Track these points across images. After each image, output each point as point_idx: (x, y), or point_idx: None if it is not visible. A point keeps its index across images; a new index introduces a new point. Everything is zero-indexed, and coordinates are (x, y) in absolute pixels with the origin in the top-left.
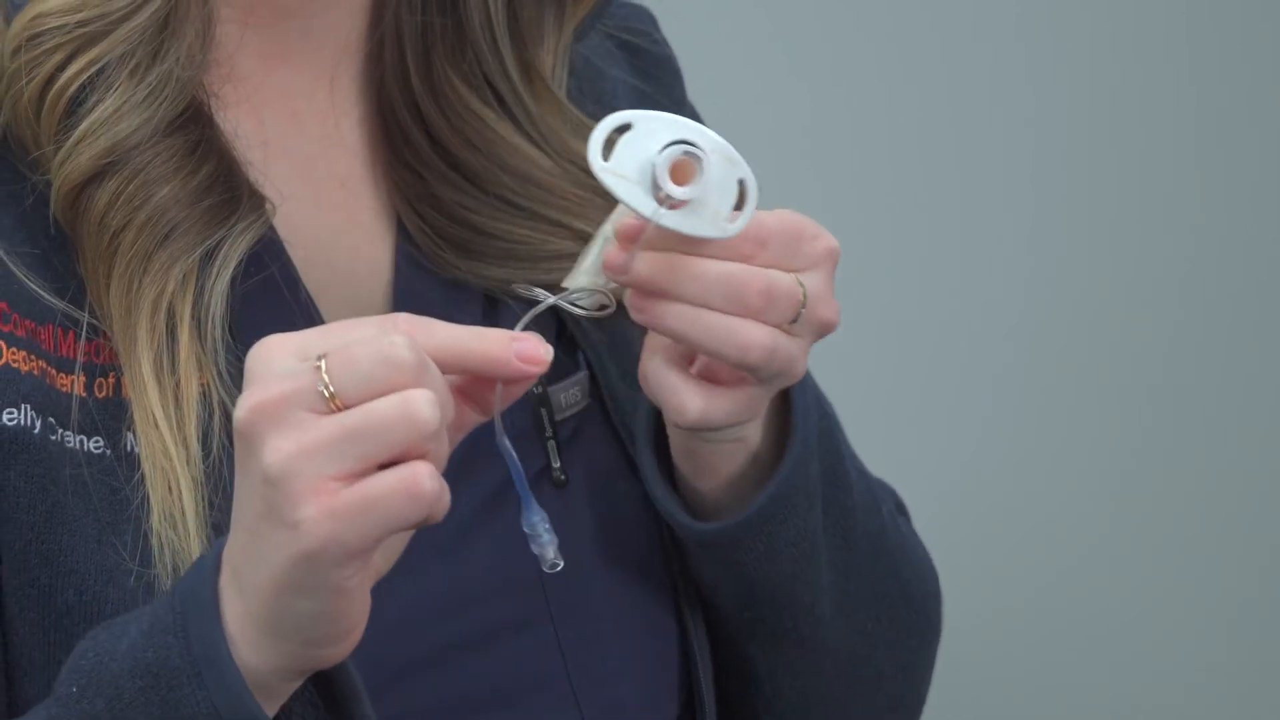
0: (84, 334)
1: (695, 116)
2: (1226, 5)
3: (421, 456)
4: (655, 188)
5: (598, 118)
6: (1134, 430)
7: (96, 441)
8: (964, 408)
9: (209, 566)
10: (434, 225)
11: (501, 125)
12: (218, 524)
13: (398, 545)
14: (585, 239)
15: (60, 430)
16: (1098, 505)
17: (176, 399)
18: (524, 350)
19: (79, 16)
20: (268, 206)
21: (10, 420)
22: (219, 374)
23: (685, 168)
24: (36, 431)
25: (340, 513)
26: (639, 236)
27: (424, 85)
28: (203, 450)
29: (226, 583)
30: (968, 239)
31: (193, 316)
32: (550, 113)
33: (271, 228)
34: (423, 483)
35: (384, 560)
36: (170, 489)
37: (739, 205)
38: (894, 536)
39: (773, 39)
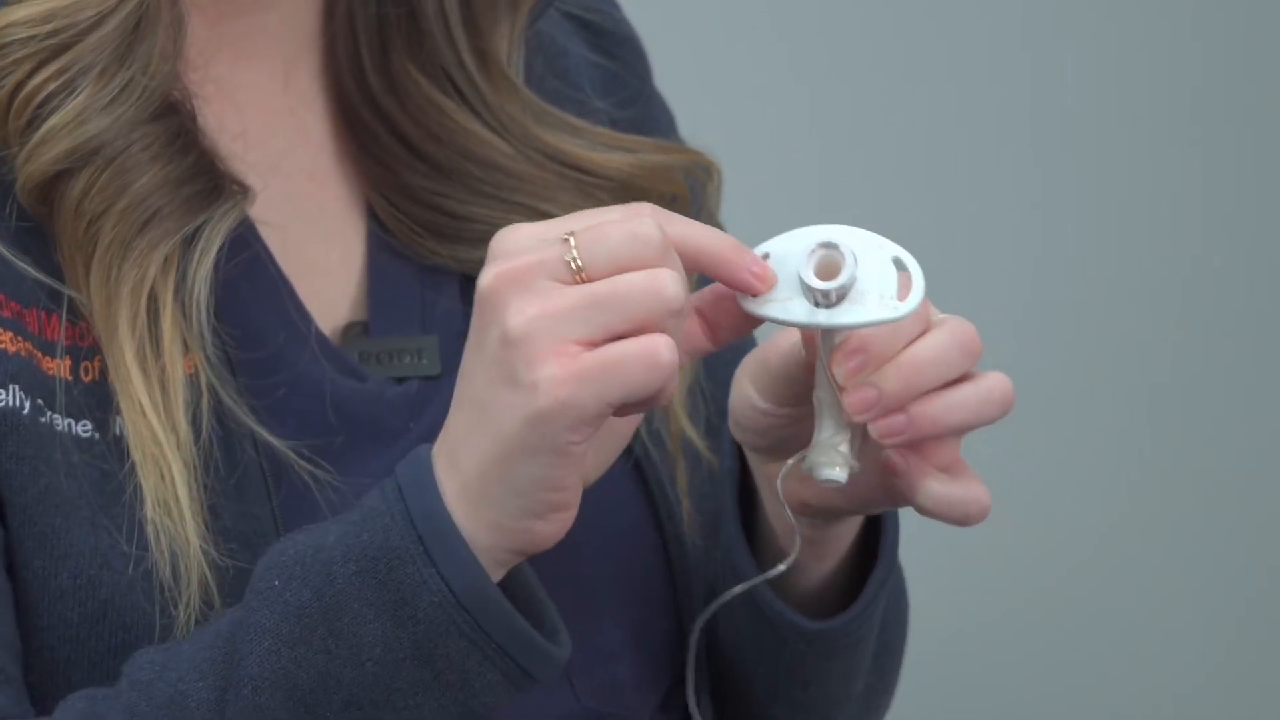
0: (65, 316)
1: (661, 102)
2: (1232, 4)
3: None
4: (808, 294)
5: (562, 95)
6: (1139, 430)
7: (84, 425)
8: None
9: (424, 457)
10: (408, 213)
11: (461, 115)
12: (213, 506)
13: (613, 448)
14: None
15: (49, 413)
16: (1103, 506)
17: (163, 384)
18: (755, 263)
19: (49, 27)
20: (249, 193)
21: None
22: (207, 357)
23: (834, 267)
24: (26, 412)
25: (580, 374)
26: (862, 366)
27: (381, 79)
28: (193, 433)
29: (442, 467)
30: (969, 238)
31: (176, 300)
32: (509, 101)
33: (248, 214)
34: (662, 352)
35: (596, 466)
36: (162, 475)
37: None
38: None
39: (768, 32)
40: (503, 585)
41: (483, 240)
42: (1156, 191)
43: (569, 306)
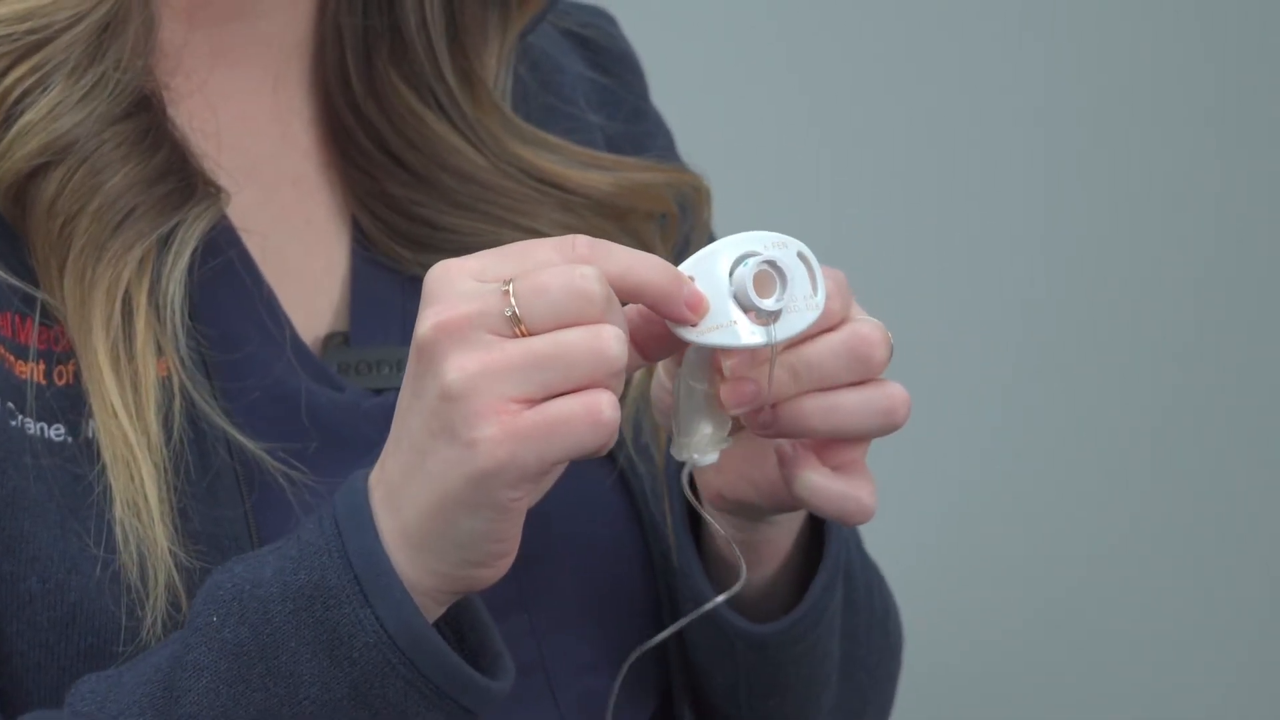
0: (39, 320)
1: (658, 119)
2: (1239, 4)
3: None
4: (744, 310)
5: (556, 110)
6: (1148, 432)
7: (57, 429)
8: (975, 411)
9: (360, 489)
10: (388, 222)
11: (439, 125)
12: (183, 509)
13: (551, 477)
14: (534, 234)
15: (20, 416)
16: (1113, 510)
17: (134, 386)
18: (691, 296)
19: (26, 26)
20: (222, 195)
21: None
22: (181, 360)
23: (764, 281)
24: None
25: (521, 434)
26: (752, 358)
27: (364, 86)
28: (164, 435)
29: (379, 503)
30: (976, 239)
31: (150, 302)
32: (489, 117)
33: (226, 217)
34: (605, 411)
35: (537, 491)
36: (132, 477)
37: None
38: (873, 575)
39: (765, 44)
40: (446, 611)
41: (461, 250)
42: (1162, 194)
43: (509, 364)
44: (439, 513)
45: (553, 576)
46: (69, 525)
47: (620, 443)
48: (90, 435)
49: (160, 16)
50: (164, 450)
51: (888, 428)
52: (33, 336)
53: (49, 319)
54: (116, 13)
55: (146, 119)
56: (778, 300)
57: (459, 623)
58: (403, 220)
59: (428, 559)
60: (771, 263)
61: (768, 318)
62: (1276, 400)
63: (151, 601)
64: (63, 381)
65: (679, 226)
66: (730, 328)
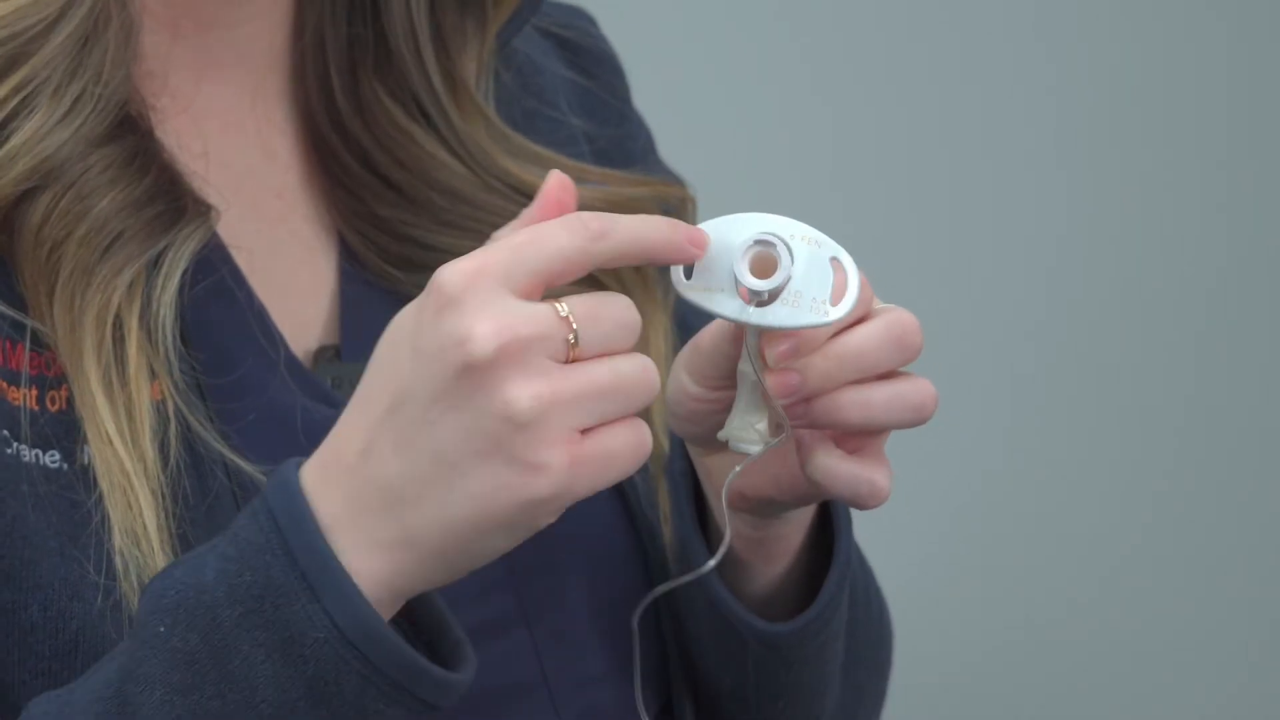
0: (29, 346)
1: (640, 121)
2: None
3: None
4: (737, 287)
5: (538, 114)
6: (1157, 438)
7: (52, 456)
8: (983, 413)
9: (292, 480)
10: (377, 243)
11: (428, 141)
12: (182, 535)
13: None
14: None
15: (15, 444)
16: (1121, 515)
17: (129, 412)
18: (691, 231)
19: None
20: (212, 214)
21: None
22: (175, 383)
23: (769, 263)
24: None
25: (582, 462)
26: (793, 351)
27: (349, 102)
28: (161, 460)
29: (372, 509)
30: (972, 242)
31: (141, 326)
32: (476, 128)
33: (216, 234)
34: (648, 441)
35: None
36: (130, 505)
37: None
38: (867, 570)
39: (750, 41)
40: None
41: None
42: (1176, 195)
43: (579, 394)
44: (471, 530)
45: (551, 589)
46: (69, 553)
47: None
48: (86, 461)
49: (140, 22)
50: (161, 476)
51: (916, 422)
52: (24, 362)
53: (40, 345)
54: (95, 23)
55: (134, 141)
56: (769, 285)
57: (414, 613)
58: (393, 241)
59: (427, 569)
60: (773, 246)
61: (755, 298)
62: None
63: None
64: (56, 407)
65: None
66: (717, 293)
